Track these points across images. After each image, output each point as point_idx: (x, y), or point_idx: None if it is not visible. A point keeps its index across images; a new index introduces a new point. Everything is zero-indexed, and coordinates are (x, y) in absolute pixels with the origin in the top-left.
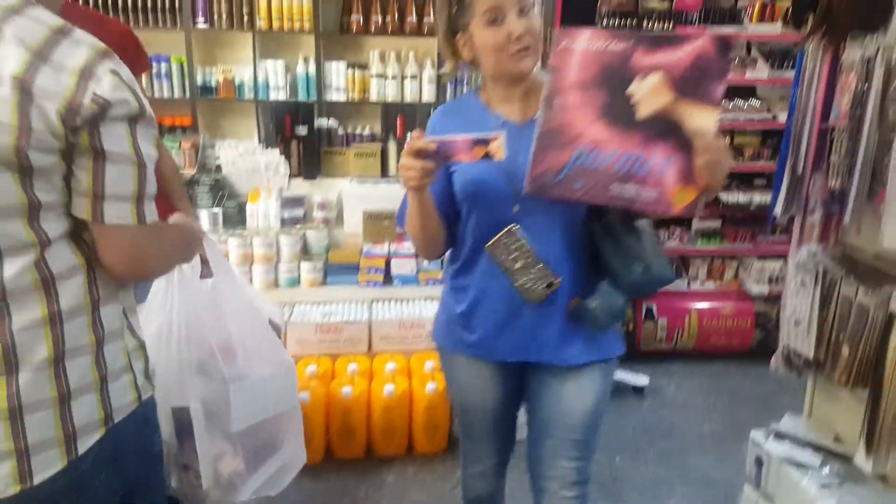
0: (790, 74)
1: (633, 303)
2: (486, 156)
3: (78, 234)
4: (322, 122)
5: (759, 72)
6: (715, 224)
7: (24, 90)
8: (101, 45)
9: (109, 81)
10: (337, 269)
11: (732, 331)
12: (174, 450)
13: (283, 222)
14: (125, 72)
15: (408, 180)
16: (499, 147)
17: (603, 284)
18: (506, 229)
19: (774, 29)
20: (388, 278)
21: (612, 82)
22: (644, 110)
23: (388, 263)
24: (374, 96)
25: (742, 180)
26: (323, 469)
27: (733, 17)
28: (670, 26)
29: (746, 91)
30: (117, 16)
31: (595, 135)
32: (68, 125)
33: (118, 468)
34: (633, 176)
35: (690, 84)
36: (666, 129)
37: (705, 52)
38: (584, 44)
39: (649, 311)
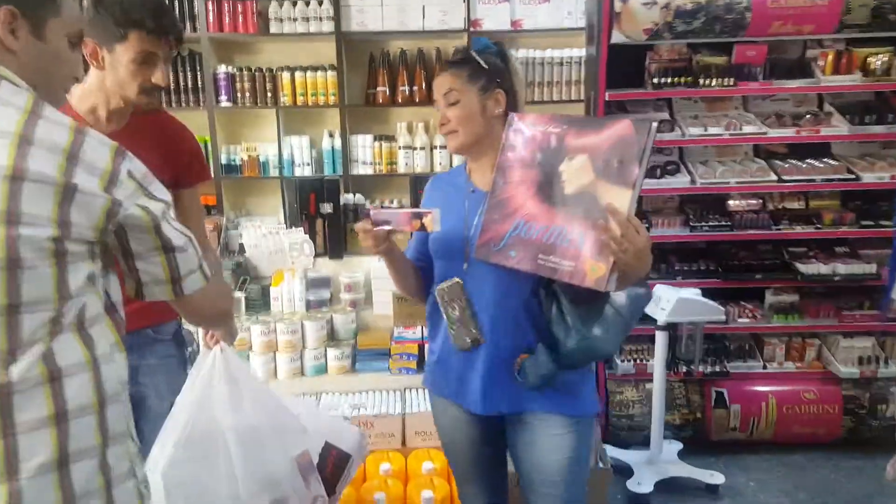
0: (873, 129)
1: (701, 388)
2: (423, 227)
3: (83, 326)
4: (348, 198)
5: (836, 128)
6: (792, 298)
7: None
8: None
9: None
10: (366, 355)
11: (818, 418)
12: None
13: (309, 305)
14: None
15: (366, 248)
16: (430, 221)
17: (538, 347)
18: (452, 281)
19: (853, 80)
20: (421, 364)
21: (548, 161)
22: (570, 188)
23: (421, 348)
24: (401, 168)
25: (822, 248)
26: None
27: (802, 69)
28: (731, 82)
29: (821, 149)
30: None
31: (531, 208)
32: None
33: None
34: (556, 248)
35: (608, 165)
36: (587, 206)
37: (624, 135)
38: (531, 126)
39: (720, 396)
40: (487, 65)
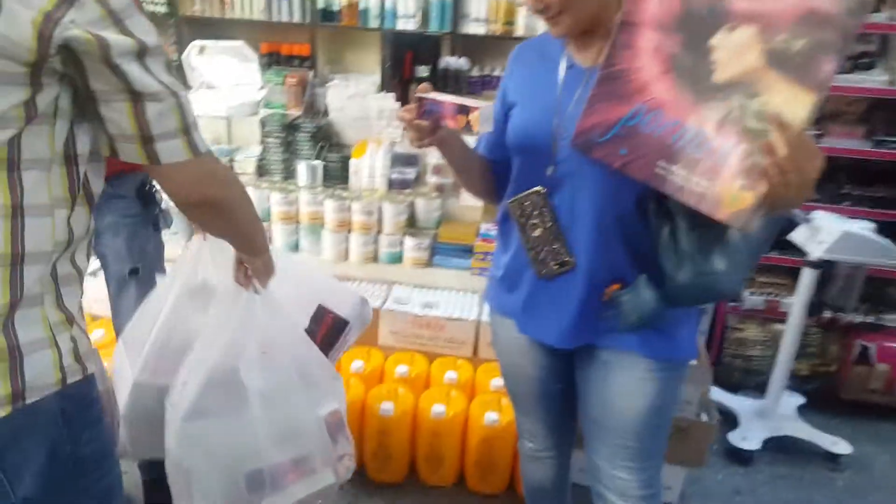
0: None
1: (844, 339)
2: (467, 125)
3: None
4: (449, 62)
5: None
6: None
7: None
8: None
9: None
10: (447, 250)
11: None
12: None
13: (391, 184)
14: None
15: (409, 140)
16: (476, 119)
17: (640, 279)
18: (532, 190)
19: None
20: None
21: (694, 28)
22: (723, 72)
23: None
24: (520, 29)
25: None
26: (406, 491)
27: None
28: None
29: None
30: None
31: (660, 92)
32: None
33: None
34: (685, 156)
35: (787, 50)
36: (744, 104)
37: (821, 7)
38: None
39: (864, 351)
40: None
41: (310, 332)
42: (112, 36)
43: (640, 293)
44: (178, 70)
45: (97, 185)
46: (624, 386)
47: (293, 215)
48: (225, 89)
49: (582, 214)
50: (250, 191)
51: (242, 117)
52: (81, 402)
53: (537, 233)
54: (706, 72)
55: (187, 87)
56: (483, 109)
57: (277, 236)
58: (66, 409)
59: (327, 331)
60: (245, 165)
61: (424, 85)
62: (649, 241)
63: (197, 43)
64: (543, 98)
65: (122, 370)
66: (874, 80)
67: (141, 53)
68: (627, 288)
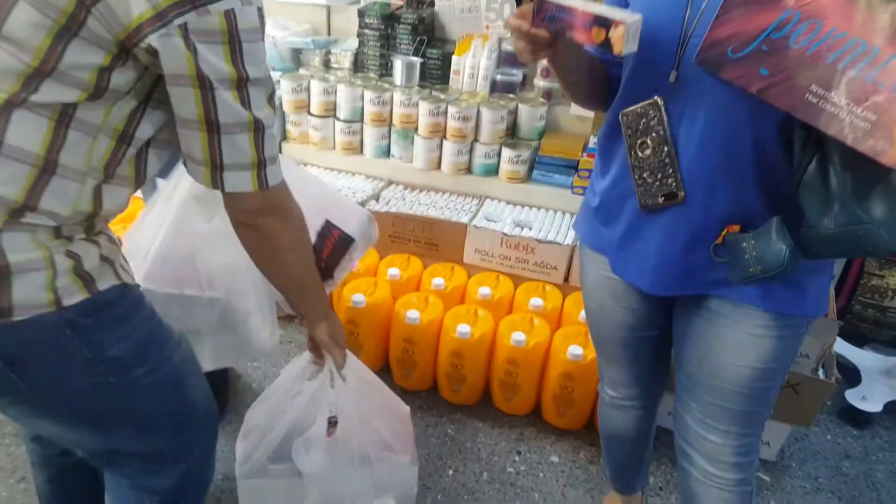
0: None
1: None
2: (606, 43)
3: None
4: None
5: None
6: None
7: None
8: None
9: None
10: (548, 164)
11: None
12: None
13: (494, 87)
14: None
15: (518, 52)
16: (620, 38)
17: (772, 223)
18: (647, 101)
19: None
20: None
21: None
22: None
23: None
24: None
25: None
26: (479, 413)
27: None
28: None
29: None
30: None
31: None
32: None
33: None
34: (848, 79)
35: None
36: None
37: None
38: None
39: None
40: None
41: (316, 248)
42: (214, 60)
43: (771, 240)
44: None
45: (153, 169)
46: (735, 342)
47: (385, 117)
48: None
49: (705, 135)
50: (343, 88)
51: (342, 6)
52: (93, 311)
53: (647, 153)
54: None
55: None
56: (630, 24)
57: (368, 139)
58: (73, 320)
59: (333, 247)
60: (341, 59)
61: None
62: (787, 177)
63: None
64: None
65: None
66: None
67: (239, 84)
68: (753, 232)
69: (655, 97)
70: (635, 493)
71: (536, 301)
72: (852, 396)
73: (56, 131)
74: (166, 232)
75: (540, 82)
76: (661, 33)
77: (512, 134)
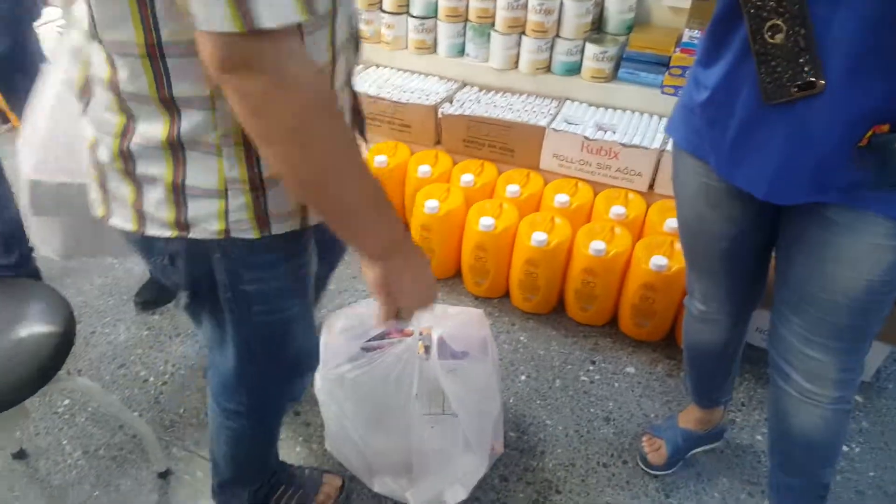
0: None
1: None
2: None
3: None
4: None
5: None
6: None
7: None
8: None
9: None
10: (636, 61)
11: None
12: None
13: None
14: None
15: None
16: None
17: None
18: None
19: None
20: None
21: None
22: None
23: None
24: None
25: None
26: (553, 322)
27: None
28: None
29: None
30: None
31: None
32: None
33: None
34: None
35: None
36: None
37: None
38: None
39: None
40: None
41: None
42: None
43: None
44: None
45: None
46: (851, 252)
47: (461, 12)
48: None
49: (851, 11)
50: None
51: None
52: (249, 248)
53: (778, 38)
54: None
55: None
56: None
57: (442, 37)
58: (226, 247)
59: None
60: None
61: None
62: None
63: None
64: None
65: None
66: None
67: None
68: None
69: None
70: (717, 408)
71: (618, 209)
72: None
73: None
74: (47, 120)
75: None
76: None
77: (598, 28)
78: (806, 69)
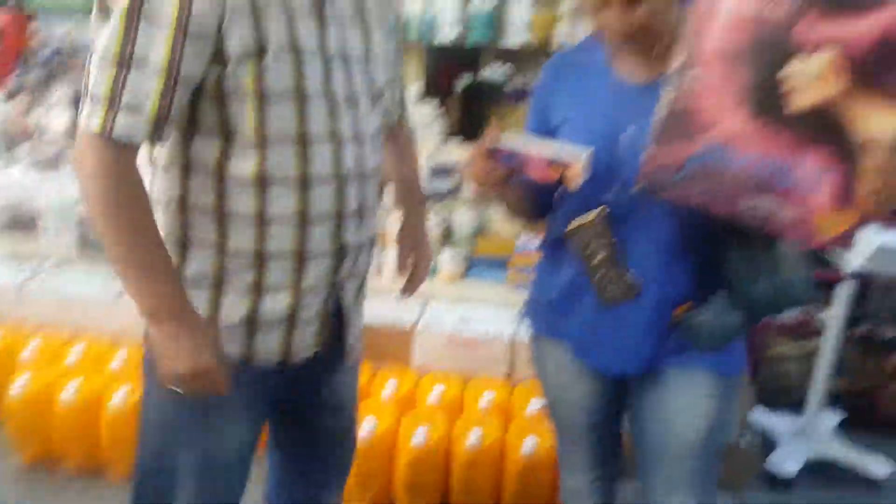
0: None
1: (882, 355)
2: (560, 180)
3: None
4: (491, 72)
5: None
6: None
7: None
8: None
9: None
10: (483, 263)
11: None
12: None
13: (428, 195)
14: None
15: (478, 188)
16: (575, 175)
17: (717, 298)
18: (594, 213)
19: None
20: None
21: (765, 59)
22: (802, 100)
23: None
24: (560, 38)
25: None
26: None
27: None
28: None
29: None
30: None
31: (732, 126)
32: None
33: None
34: (772, 188)
35: (875, 70)
36: (827, 129)
37: None
38: (735, 4)
39: None
40: None
41: None
42: None
43: (724, 311)
44: None
45: None
46: (688, 404)
47: None
48: None
49: (652, 237)
50: None
51: None
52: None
53: (600, 258)
54: (782, 100)
55: None
56: (584, 158)
57: None
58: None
59: None
60: None
61: (494, 133)
62: (718, 258)
63: None
64: (597, 117)
65: None
66: None
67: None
68: (703, 307)
69: (601, 209)
70: None
71: (487, 397)
72: (774, 460)
73: None
74: None
75: (469, 190)
76: (597, 162)
77: (448, 236)
78: (624, 278)
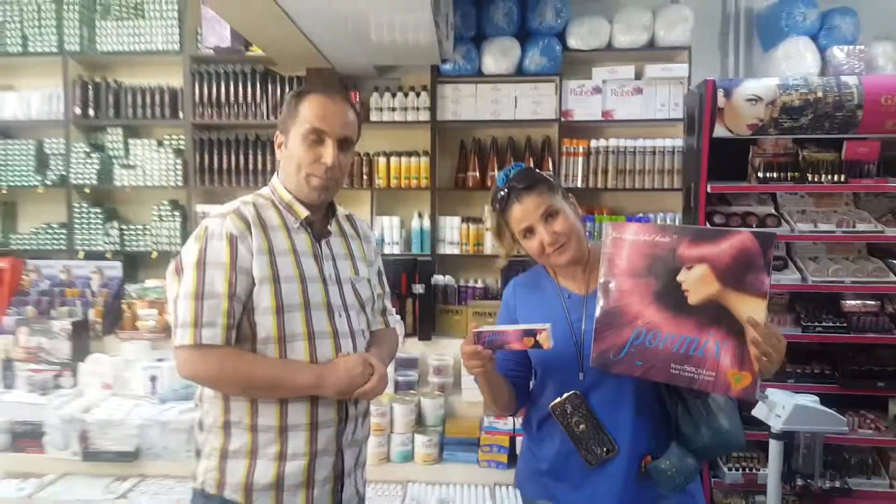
0: None
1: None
2: (536, 344)
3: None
4: (439, 279)
5: None
6: None
7: None
8: None
9: None
10: (454, 444)
11: None
12: None
13: (397, 386)
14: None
15: (471, 369)
16: (546, 338)
17: (673, 446)
18: (570, 393)
19: None
20: (513, 459)
21: (662, 270)
22: (694, 297)
23: (512, 441)
24: (487, 249)
25: None
26: None
27: None
28: (842, 178)
29: None
30: (243, 178)
31: (651, 317)
32: None
33: None
34: (690, 358)
35: (735, 275)
36: (717, 315)
37: (746, 247)
38: (633, 235)
39: None
40: (550, 177)
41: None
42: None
43: (681, 457)
44: None
45: None
46: None
47: None
48: None
49: (618, 405)
50: None
51: None
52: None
53: (581, 428)
54: (681, 298)
55: None
56: (549, 328)
57: None
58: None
59: None
60: None
61: (475, 324)
62: (669, 416)
63: None
64: (561, 323)
65: None
66: (788, 277)
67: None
68: (664, 456)
69: (574, 391)
70: None
71: None
72: None
73: None
74: None
75: (434, 379)
76: (563, 357)
77: (420, 423)
78: (604, 441)
